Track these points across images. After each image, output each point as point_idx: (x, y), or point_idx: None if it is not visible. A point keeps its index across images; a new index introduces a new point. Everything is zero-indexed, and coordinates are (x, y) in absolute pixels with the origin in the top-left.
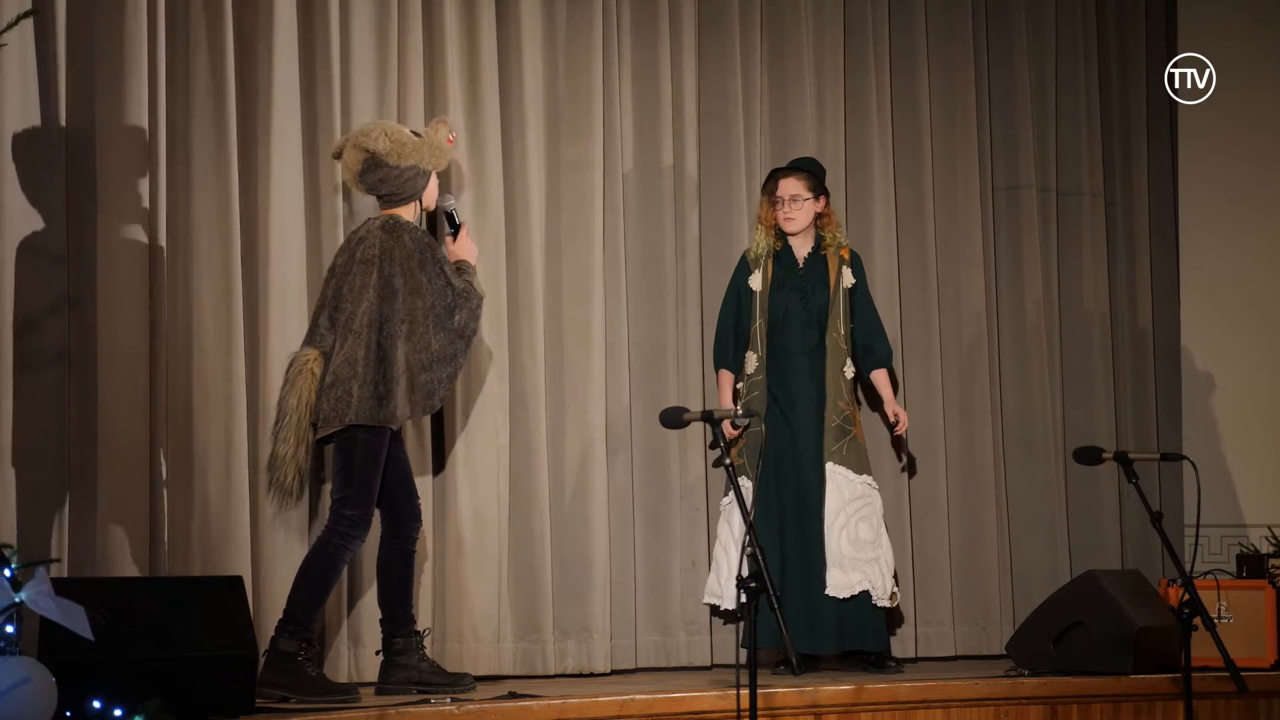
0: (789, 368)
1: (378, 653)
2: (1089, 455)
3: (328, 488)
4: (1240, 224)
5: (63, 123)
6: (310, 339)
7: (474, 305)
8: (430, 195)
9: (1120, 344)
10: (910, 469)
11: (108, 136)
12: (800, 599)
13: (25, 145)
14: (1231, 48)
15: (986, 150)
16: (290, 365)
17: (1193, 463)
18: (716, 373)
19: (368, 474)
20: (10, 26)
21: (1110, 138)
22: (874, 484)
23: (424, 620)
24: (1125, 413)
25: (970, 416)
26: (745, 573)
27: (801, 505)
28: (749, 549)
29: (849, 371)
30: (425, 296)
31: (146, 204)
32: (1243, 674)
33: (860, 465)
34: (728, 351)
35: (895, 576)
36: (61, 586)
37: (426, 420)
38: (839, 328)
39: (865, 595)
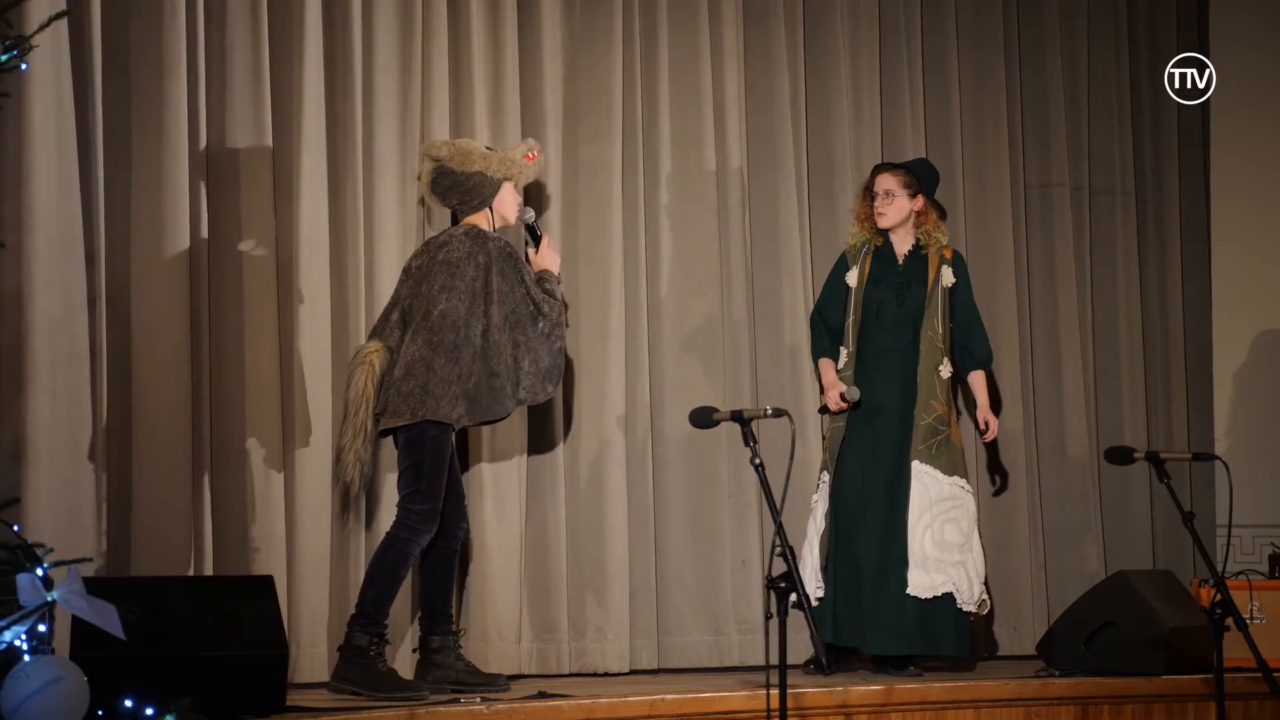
0: (879, 364)
1: (415, 650)
2: (1121, 455)
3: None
4: (1271, 223)
5: (100, 123)
6: (377, 332)
7: (555, 315)
8: (504, 204)
9: (1151, 343)
10: None
11: (145, 137)
12: (880, 598)
13: (58, 145)
14: (1262, 52)
15: (1019, 148)
16: (354, 357)
17: (1225, 463)
18: (816, 363)
19: (436, 470)
20: (43, 28)
21: (1142, 137)
22: (967, 487)
23: None
24: (1156, 412)
25: (1008, 416)
26: (774, 573)
27: (884, 503)
28: (778, 549)
29: (945, 371)
30: (505, 304)
31: (183, 204)
32: (1275, 675)
33: (952, 467)
34: (821, 340)
35: (986, 583)
36: (93, 585)
37: None
38: (935, 326)
39: (949, 598)
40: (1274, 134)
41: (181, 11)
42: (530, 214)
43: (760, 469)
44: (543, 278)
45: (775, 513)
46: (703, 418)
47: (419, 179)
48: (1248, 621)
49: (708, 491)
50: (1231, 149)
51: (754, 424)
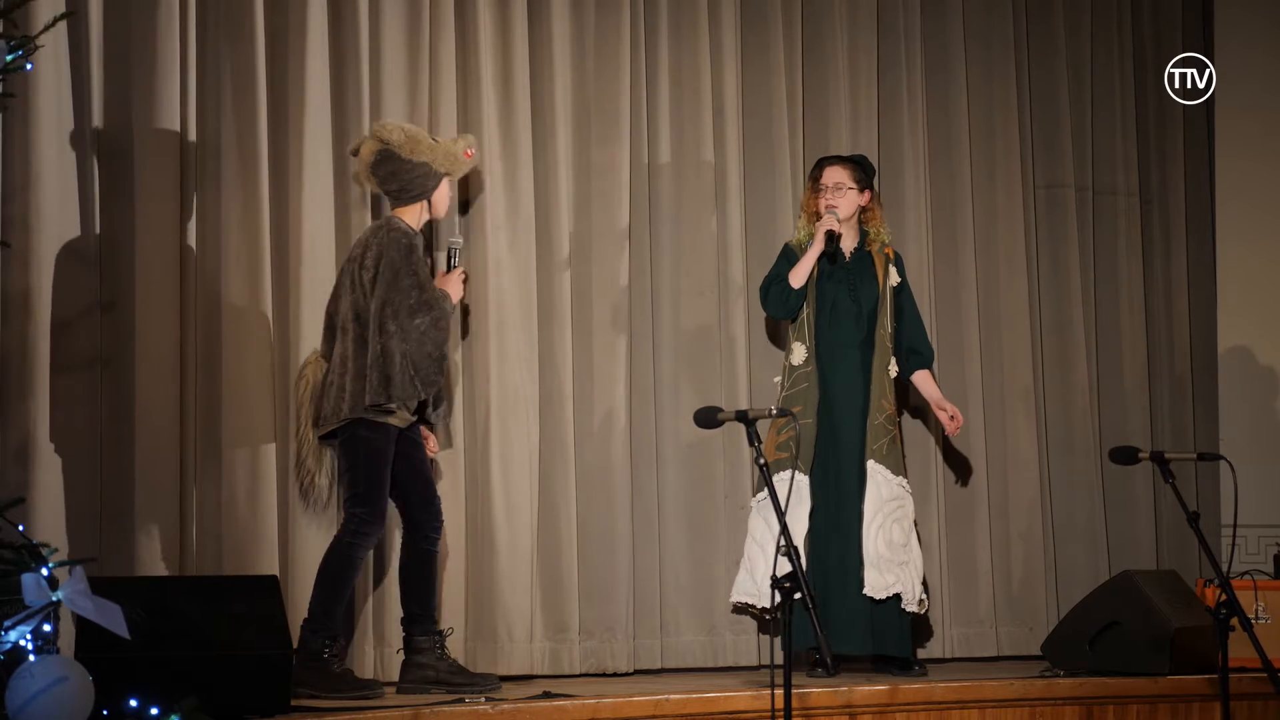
0: (838, 361)
1: (399, 651)
2: (1126, 455)
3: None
4: (1277, 223)
5: (97, 125)
6: (321, 342)
7: (436, 315)
8: (440, 201)
9: (1156, 342)
10: (947, 469)
11: (143, 139)
12: (835, 598)
13: (60, 148)
14: (1267, 52)
15: (1028, 149)
16: (299, 371)
17: (1230, 462)
18: (789, 287)
19: (372, 471)
20: (49, 27)
21: (1146, 138)
22: (908, 487)
23: (456, 619)
24: (1161, 412)
25: (1014, 415)
26: (779, 572)
27: (840, 502)
28: (783, 548)
29: (892, 370)
30: (387, 292)
31: (180, 207)
32: None
33: (897, 467)
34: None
35: (925, 584)
36: (98, 585)
37: (459, 420)
38: (886, 325)
39: (896, 599)
40: (1278, 137)
41: (176, 12)
42: (458, 241)
43: (765, 469)
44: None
45: (780, 513)
46: (708, 418)
47: (353, 154)
48: (1253, 622)
49: (704, 492)
50: (1237, 149)
51: (757, 424)
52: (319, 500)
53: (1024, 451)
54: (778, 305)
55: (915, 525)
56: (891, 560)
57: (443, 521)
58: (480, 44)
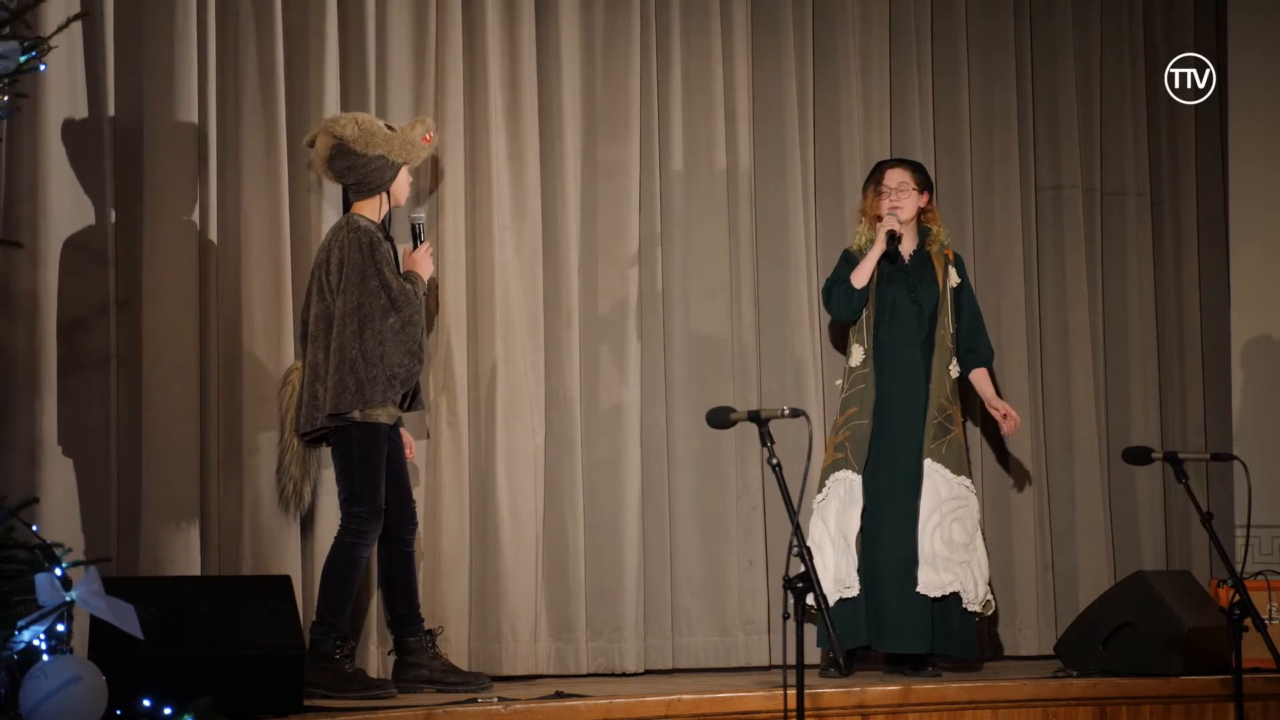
0: (897, 362)
1: (390, 653)
2: (1139, 455)
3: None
4: None
5: (111, 123)
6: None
7: (408, 312)
8: (400, 189)
9: (1167, 343)
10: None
11: (156, 136)
12: (893, 596)
13: (72, 146)
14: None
15: (1030, 150)
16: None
17: (1243, 463)
18: (852, 290)
19: (368, 469)
20: (62, 28)
21: (1158, 136)
22: (971, 486)
23: (460, 619)
24: (1172, 413)
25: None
26: (792, 573)
27: (899, 502)
28: (794, 549)
29: (954, 371)
30: (355, 295)
31: (196, 204)
32: None
33: (959, 466)
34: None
35: (991, 584)
36: (111, 585)
37: (464, 420)
38: (947, 325)
39: (956, 598)
40: None
41: (193, 13)
42: (420, 216)
43: (778, 469)
44: (408, 278)
45: (792, 514)
46: (720, 418)
47: (309, 145)
48: (1266, 622)
49: (716, 492)
50: (1251, 151)
51: (770, 424)
52: (301, 507)
53: (1021, 451)
54: (841, 306)
55: (980, 526)
56: (950, 559)
57: (417, 524)
58: (488, 44)
